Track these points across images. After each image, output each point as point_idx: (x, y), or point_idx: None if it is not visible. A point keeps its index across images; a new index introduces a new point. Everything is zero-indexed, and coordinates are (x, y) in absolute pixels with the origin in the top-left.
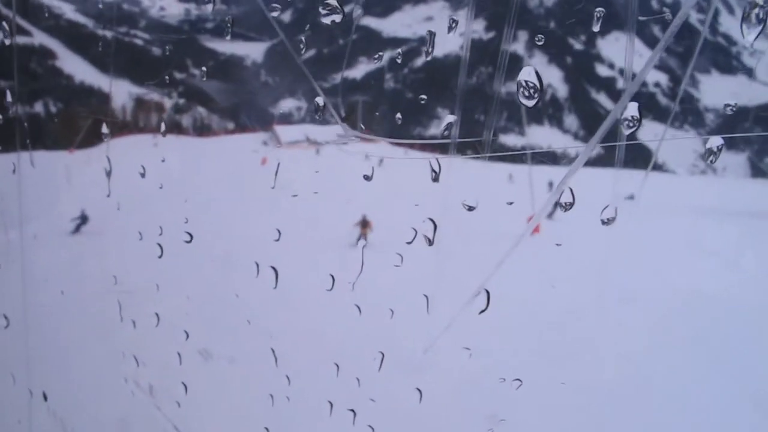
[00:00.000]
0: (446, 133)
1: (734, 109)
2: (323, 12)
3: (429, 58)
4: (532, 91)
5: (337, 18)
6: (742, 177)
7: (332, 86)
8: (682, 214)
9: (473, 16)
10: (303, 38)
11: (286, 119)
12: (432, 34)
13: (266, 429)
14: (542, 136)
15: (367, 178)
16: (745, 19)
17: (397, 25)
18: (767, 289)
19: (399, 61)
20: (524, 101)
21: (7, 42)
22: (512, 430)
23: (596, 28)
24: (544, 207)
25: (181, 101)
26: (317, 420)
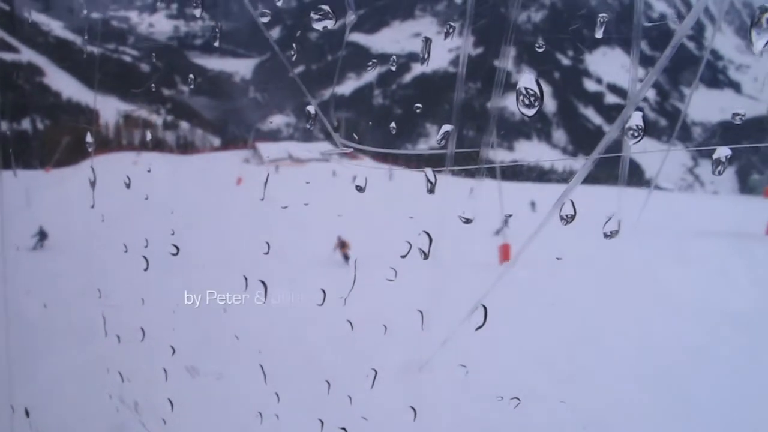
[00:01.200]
0: (443, 142)
1: (743, 118)
2: (315, 17)
3: (425, 65)
4: (532, 99)
5: (330, 24)
6: (730, 191)
7: (321, 102)
8: (676, 229)
9: (469, 31)
10: (294, 50)
11: (275, 135)
12: (428, 41)
13: None
14: (531, 151)
15: (359, 189)
16: (755, 24)
17: (386, 41)
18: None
19: (393, 68)
20: (524, 110)
21: None
22: None
23: (599, 35)
24: (541, 226)
25: (169, 118)
26: None
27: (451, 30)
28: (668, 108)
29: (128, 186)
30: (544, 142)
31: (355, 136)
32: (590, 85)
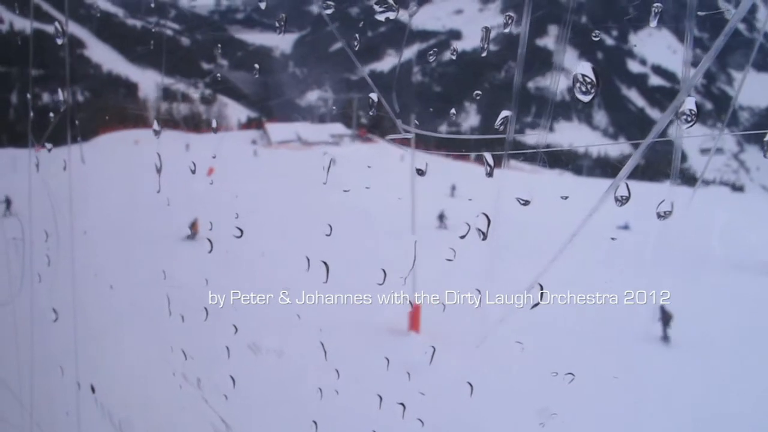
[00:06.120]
0: (501, 128)
1: None
2: (379, 9)
3: (484, 54)
4: (589, 86)
5: (392, 15)
6: None
7: (360, 78)
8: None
9: (529, 12)
10: (357, 41)
11: (313, 112)
12: (487, 30)
13: (314, 423)
14: (570, 133)
15: (420, 172)
16: None
17: (427, 17)
18: None
19: (454, 57)
20: (580, 96)
21: (59, 42)
22: (564, 424)
23: (653, 24)
24: (596, 206)
25: (207, 92)
26: (366, 413)
27: (510, 21)
28: (715, 91)
29: (159, 170)
30: (585, 123)
31: (416, 122)
32: (634, 67)
